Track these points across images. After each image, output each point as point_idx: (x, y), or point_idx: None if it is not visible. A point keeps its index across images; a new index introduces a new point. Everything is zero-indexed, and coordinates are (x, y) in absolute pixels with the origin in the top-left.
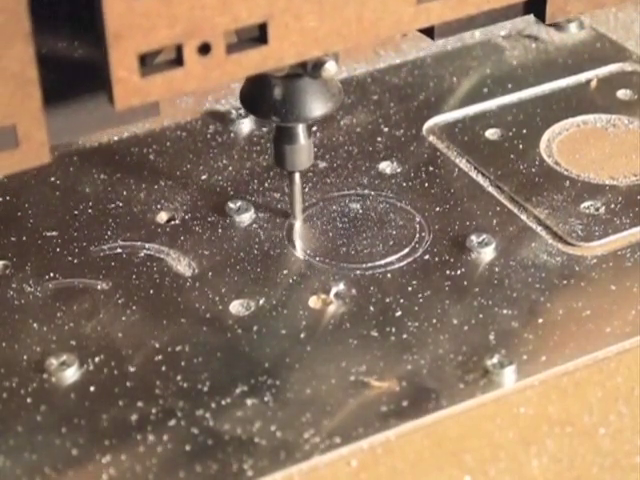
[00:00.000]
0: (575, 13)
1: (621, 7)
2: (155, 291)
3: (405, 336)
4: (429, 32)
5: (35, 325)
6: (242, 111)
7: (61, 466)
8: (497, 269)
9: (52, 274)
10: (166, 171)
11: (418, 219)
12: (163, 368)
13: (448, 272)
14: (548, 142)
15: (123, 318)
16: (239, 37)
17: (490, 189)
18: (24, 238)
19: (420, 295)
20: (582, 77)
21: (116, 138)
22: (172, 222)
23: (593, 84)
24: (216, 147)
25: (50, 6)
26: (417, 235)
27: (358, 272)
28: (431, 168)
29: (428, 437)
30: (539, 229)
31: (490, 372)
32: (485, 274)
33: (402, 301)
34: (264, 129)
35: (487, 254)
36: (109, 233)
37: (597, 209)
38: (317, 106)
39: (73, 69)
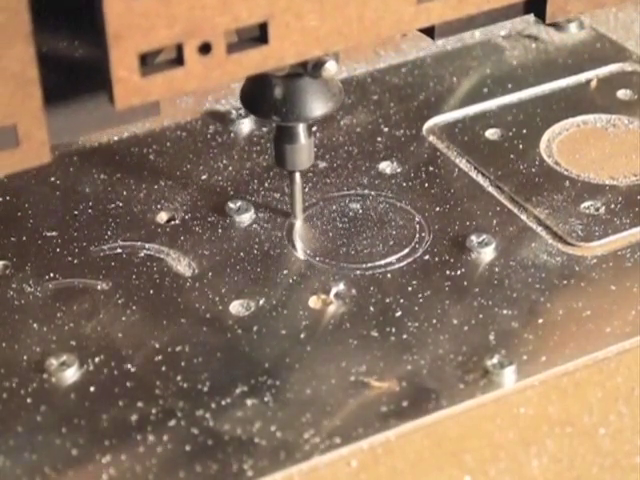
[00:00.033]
0: (575, 13)
1: (621, 7)
2: (155, 291)
3: (405, 336)
4: (429, 32)
5: (35, 325)
6: (242, 111)
7: (61, 466)
8: (497, 269)
9: (52, 274)
10: (166, 171)
11: (418, 219)
12: (163, 368)
13: (448, 272)
14: (548, 142)
15: (123, 318)
16: (240, 37)
17: (490, 189)
18: (24, 238)
19: (420, 295)
20: (582, 77)
21: (116, 138)
22: (172, 222)
23: (593, 84)
24: (216, 147)
25: (50, 6)
26: (417, 235)
27: (358, 272)
28: (431, 168)
29: (428, 437)
30: (539, 229)
31: (490, 372)
32: (485, 274)
33: (402, 301)
34: (264, 129)
35: (487, 254)
36: (109, 233)
37: (597, 209)
38: (318, 106)
39: (73, 69)
